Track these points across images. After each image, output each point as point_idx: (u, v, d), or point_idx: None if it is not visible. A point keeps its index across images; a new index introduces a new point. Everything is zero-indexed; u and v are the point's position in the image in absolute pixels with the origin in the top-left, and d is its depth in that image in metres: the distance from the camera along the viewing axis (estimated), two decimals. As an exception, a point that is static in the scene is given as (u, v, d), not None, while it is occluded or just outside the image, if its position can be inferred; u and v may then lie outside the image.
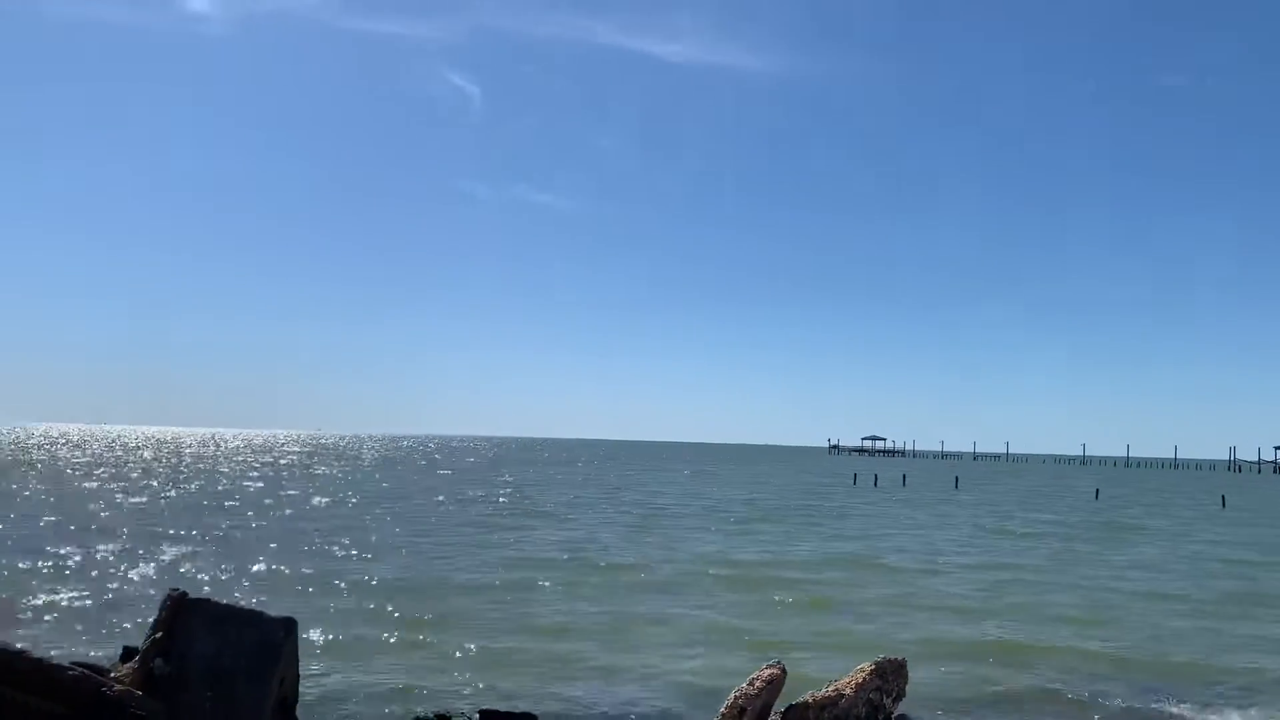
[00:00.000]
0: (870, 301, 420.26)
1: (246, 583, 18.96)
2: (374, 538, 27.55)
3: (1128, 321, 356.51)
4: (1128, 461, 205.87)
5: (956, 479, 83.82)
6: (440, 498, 45.49)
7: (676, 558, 25.16)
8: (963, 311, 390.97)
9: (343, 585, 18.95)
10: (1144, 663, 14.97)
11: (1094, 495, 66.82)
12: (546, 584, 20.04)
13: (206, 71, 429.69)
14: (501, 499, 46.18)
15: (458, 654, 13.84)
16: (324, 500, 41.53)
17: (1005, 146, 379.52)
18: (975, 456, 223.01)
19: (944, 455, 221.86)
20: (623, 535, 30.26)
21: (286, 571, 20.71)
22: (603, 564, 23.51)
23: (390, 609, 16.72)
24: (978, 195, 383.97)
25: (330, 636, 14.25)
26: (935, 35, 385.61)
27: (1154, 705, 12.57)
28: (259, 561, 21.96)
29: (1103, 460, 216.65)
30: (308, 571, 20.67)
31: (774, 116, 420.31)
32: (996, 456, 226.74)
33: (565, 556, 24.50)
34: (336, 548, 25.02)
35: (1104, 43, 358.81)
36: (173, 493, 42.91)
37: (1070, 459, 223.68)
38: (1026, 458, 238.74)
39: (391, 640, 14.45)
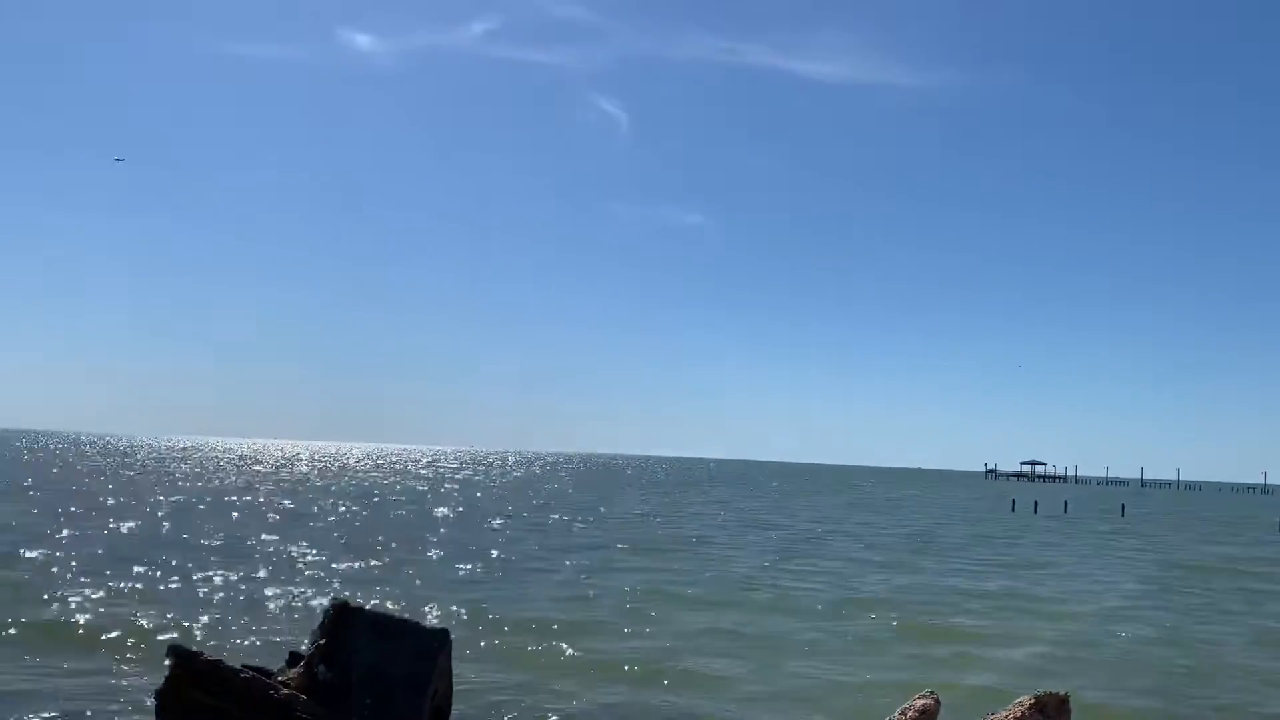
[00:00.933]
0: (1029, 322, 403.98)
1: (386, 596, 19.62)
2: (501, 561, 27.27)
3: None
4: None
5: (1123, 506, 79.52)
6: (579, 518, 46.01)
7: (822, 590, 24.14)
8: (1130, 329, 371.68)
9: (467, 610, 18.53)
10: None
11: (1278, 528, 62.29)
12: (692, 619, 19.12)
13: (373, 103, 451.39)
14: (640, 518, 46.38)
15: (586, 698, 13.14)
16: (447, 511, 42.62)
17: (1176, 152, 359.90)
18: (1143, 483, 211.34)
19: (1108, 481, 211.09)
20: (766, 566, 28.96)
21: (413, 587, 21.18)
22: (748, 597, 22.36)
23: (511, 643, 15.85)
24: (1140, 206, 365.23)
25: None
26: (1095, 46, 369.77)
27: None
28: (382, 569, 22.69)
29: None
30: (419, 588, 21.00)
31: (928, 132, 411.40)
32: (1166, 484, 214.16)
33: (708, 589, 23.54)
34: (464, 569, 25.05)
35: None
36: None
37: (1249, 488, 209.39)
38: (1200, 485, 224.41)
39: (513, 681, 13.63)
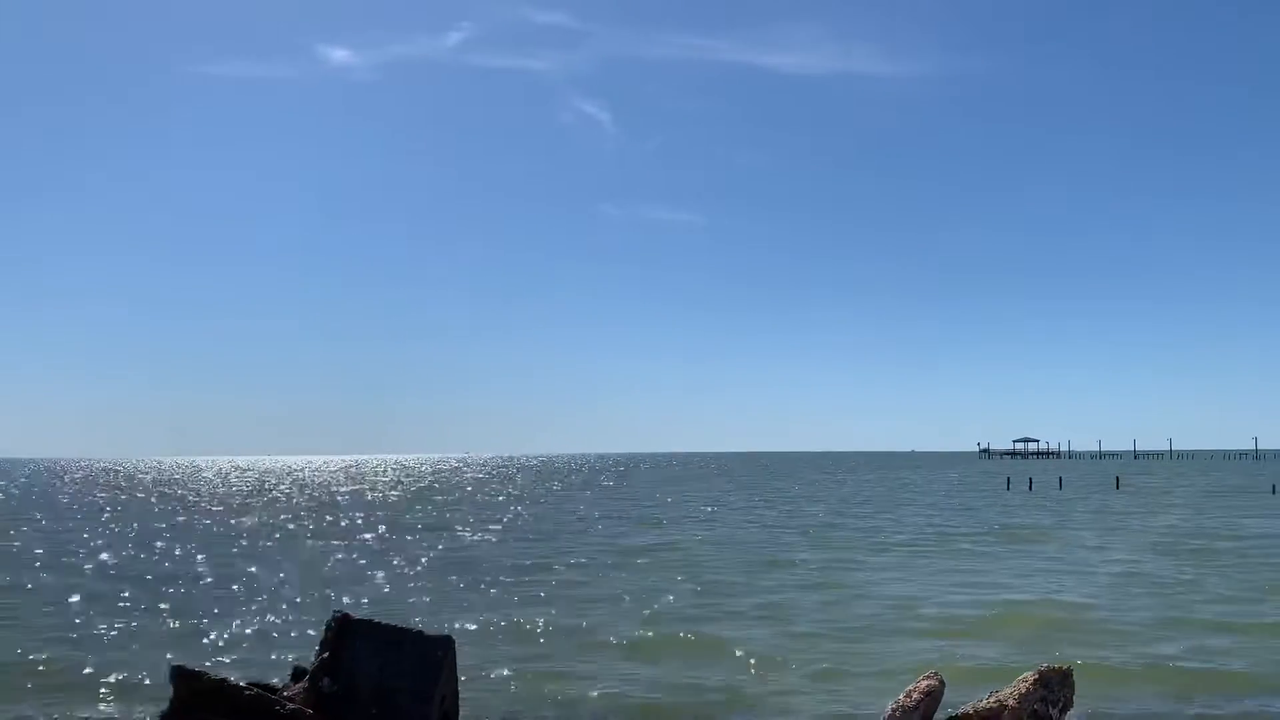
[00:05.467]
0: (1016, 298, 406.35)
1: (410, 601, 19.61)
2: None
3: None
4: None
5: (1117, 479, 79.80)
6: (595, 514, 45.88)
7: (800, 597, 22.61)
8: (1116, 299, 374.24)
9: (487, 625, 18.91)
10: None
11: (1271, 490, 62.70)
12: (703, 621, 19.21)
13: (352, 116, 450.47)
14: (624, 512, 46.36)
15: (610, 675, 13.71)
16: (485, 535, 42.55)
17: (1155, 140, 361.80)
18: (1136, 455, 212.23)
19: (1101, 455, 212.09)
20: (752, 581, 25.70)
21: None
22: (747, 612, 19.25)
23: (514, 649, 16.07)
24: (1130, 193, 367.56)
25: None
26: (1069, 31, 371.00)
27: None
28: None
29: (1278, 454, 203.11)
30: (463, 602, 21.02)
31: (908, 122, 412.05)
32: (1159, 454, 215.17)
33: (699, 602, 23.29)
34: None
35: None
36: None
37: (1241, 453, 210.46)
38: (1192, 454, 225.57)
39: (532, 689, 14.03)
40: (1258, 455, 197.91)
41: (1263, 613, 18.50)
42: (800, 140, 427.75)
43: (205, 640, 15.96)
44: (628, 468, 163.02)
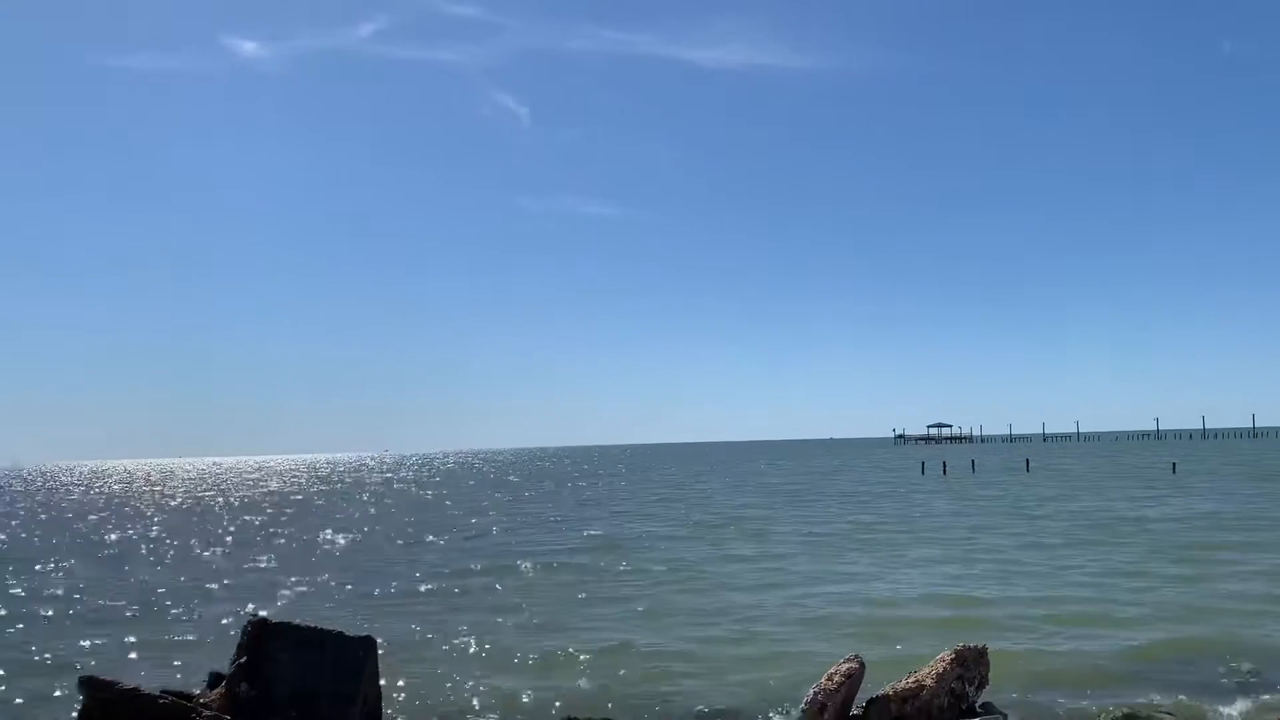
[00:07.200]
0: (929, 288, 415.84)
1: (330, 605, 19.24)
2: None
3: (1198, 290, 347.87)
4: (1204, 434, 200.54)
5: (1027, 462, 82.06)
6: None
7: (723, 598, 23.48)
8: (1023, 292, 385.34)
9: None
10: None
11: (1171, 469, 65.16)
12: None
13: (261, 109, 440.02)
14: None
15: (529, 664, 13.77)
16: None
17: (1061, 128, 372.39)
18: (1045, 438, 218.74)
19: (1012, 439, 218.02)
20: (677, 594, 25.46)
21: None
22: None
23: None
24: (1031, 179, 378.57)
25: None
26: (993, 26, 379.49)
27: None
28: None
29: (1178, 434, 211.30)
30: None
31: (821, 115, 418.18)
32: (1067, 436, 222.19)
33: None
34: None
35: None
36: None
37: (1144, 434, 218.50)
38: (1098, 436, 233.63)
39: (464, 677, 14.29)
40: (1159, 435, 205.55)
41: (1168, 597, 19.03)
42: (716, 134, 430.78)
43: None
44: (532, 465, 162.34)
